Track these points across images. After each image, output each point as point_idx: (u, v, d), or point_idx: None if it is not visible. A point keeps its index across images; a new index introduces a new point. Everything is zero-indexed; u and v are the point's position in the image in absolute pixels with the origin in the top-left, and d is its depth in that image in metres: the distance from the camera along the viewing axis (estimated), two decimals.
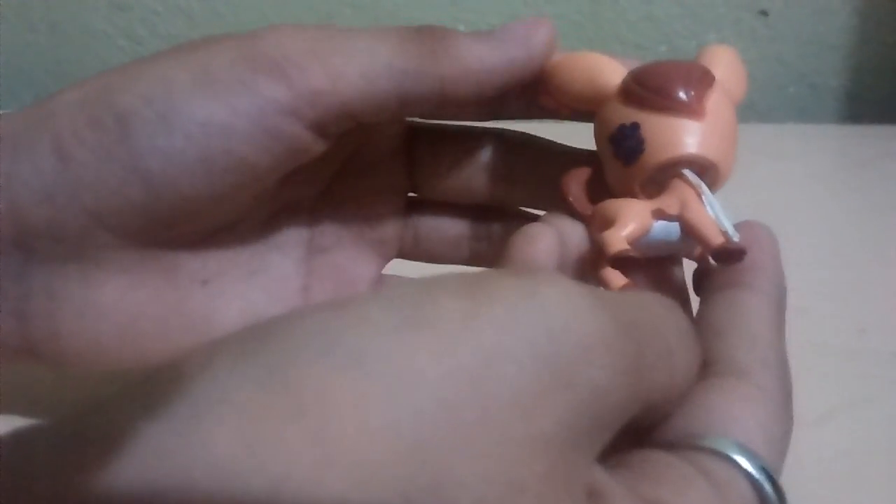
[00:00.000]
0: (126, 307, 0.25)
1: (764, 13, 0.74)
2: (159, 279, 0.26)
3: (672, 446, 0.20)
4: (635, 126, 0.24)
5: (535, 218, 0.27)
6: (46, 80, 0.78)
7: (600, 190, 0.26)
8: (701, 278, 0.25)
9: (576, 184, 0.26)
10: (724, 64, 0.25)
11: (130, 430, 0.12)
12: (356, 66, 0.24)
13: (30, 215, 0.23)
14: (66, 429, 0.13)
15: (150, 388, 0.13)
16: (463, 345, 0.14)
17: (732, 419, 0.20)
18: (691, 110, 0.23)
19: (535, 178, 0.29)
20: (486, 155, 0.30)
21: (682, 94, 0.24)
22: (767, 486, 0.19)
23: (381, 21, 0.72)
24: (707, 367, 0.21)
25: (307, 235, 0.30)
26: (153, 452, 0.12)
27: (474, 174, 0.30)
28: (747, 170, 0.62)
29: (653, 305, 0.19)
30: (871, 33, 0.75)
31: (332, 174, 0.30)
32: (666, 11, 0.74)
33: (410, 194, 0.32)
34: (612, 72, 0.25)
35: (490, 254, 0.31)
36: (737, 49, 0.27)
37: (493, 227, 0.31)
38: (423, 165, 0.31)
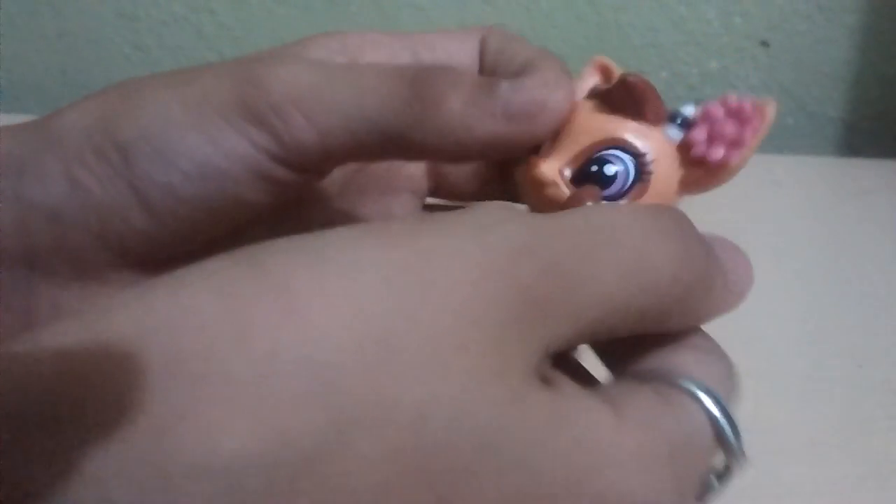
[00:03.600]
0: None
1: (765, 44, 0.75)
2: None
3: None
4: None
5: None
6: (53, 88, 0.78)
7: None
8: None
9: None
10: None
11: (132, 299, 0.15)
12: (341, 121, 0.24)
13: (37, 232, 0.24)
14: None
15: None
16: (405, 244, 0.17)
17: (669, 362, 0.21)
18: None
19: None
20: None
21: None
22: (708, 400, 0.20)
23: None
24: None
25: None
26: (144, 308, 0.15)
27: (496, 175, 0.30)
28: (744, 199, 0.62)
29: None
30: (871, 65, 0.75)
31: (346, 178, 0.30)
32: (669, 39, 0.74)
33: (429, 201, 0.32)
34: None
35: None
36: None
37: None
38: (444, 168, 0.31)
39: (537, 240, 0.18)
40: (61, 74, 0.78)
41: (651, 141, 0.22)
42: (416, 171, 0.31)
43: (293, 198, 0.26)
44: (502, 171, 0.29)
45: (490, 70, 0.27)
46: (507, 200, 0.30)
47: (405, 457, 0.15)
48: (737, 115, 0.22)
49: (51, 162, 0.24)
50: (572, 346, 0.21)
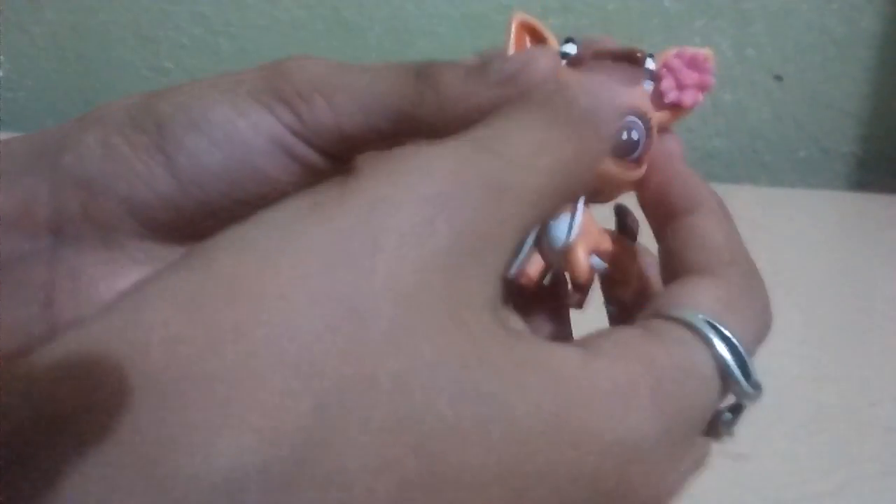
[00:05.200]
0: None
1: (778, 78, 0.75)
2: None
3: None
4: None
5: None
6: (72, 109, 0.79)
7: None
8: (648, 210, 0.27)
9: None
10: None
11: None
12: (356, 104, 0.26)
13: (66, 199, 0.26)
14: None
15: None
16: (342, 213, 0.17)
17: (687, 297, 0.21)
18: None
19: None
20: None
21: None
22: (713, 336, 0.20)
23: None
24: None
25: None
26: (109, 328, 0.16)
27: None
28: (756, 231, 0.62)
29: None
30: (884, 101, 0.76)
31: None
32: None
33: None
34: None
35: None
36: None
37: None
38: None
39: (466, 168, 0.19)
40: (80, 95, 0.79)
41: (644, 100, 0.25)
42: None
43: (312, 181, 0.27)
44: None
45: None
46: None
47: (392, 433, 0.16)
48: (694, 63, 0.26)
49: (90, 132, 0.26)
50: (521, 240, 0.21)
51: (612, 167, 0.24)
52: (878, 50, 0.74)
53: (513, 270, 0.24)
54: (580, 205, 0.24)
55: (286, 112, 0.26)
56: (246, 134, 0.26)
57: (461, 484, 0.16)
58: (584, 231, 0.25)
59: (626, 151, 0.24)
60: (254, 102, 0.26)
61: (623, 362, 0.19)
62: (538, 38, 0.26)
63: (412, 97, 0.25)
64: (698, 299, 0.21)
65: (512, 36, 0.26)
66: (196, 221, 0.26)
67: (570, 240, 0.24)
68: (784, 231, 0.61)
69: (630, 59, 0.25)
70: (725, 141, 0.76)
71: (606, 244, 0.26)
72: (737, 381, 0.20)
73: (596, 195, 0.26)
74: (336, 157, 0.27)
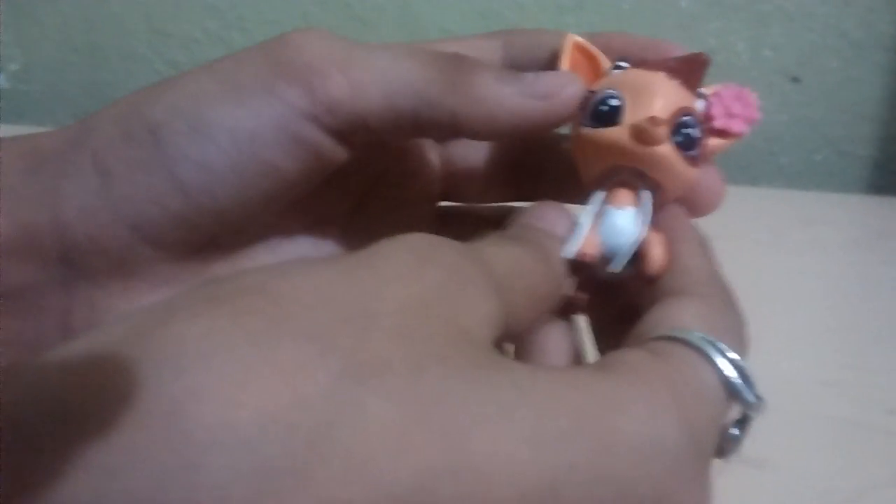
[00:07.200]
0: None
1: (796, 80, 0.74)
2: None
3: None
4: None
5: None
6: (84, 102, 0.79)
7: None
8: None
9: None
10: None
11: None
12: (376, 80, 0.24)
13: (74, 231, 0.24)
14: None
15: None
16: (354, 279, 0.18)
17: (670, 317, 0.22)
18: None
19: (565, 176, 0.29)
20: (517, 159, 0.31)
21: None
22: (715, 354, 0.20)
23: None
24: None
25: (339, 251, 0.30)
26: (136, 316, 0.16)
27: (505, 177, 0.31)
28: (773, 235, 0.62)
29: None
30: None
31: (364, 189, 0.30)
32: None
33: (441, 203, 0.32)
34: None
35: None
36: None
37: None
38: (455, 171, 0.31)
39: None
40: (92, 88, 0.79)
41: (699, 111, 0.26)
42: (429, 179, 0.31)
43: (325, 172, 0.26)
44: (508, 176, 0.31)
45: (514, 66, 0.28)
46: (511, 202, 0.32)
47: (411, 407, 0.15)
48: (741, 97, 0.27)
49: (83, 155, 0.24)
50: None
51: (675, 157, 0.25)
52: None
53: (571, 251, 0.25)
54: (649, 199, 0.25)
55: (293, 90, 0.24)
56: (250, 127, 0.24)
57: (489, 477, 0.16)
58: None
59: (687, 146, 0.25)
60: (256, 87, 0.24)
61: (641, 378, 0.19)
62: (590, 58, 0.27)
63: (443, 83, 0.24)
64: (686, 319, 0.21)
65: (566, 56, 0.27)
66: (207, 230, 0.25)
67: (643, 231, 0.25)
68: (800, 234, 0.60)
69: (693, 62, 0.26)
70: (742, 143, 0.75)
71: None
72: (742, 395, 0.20)
73: (657, 187, 0.26)
74: (348, 142, 0.25)
